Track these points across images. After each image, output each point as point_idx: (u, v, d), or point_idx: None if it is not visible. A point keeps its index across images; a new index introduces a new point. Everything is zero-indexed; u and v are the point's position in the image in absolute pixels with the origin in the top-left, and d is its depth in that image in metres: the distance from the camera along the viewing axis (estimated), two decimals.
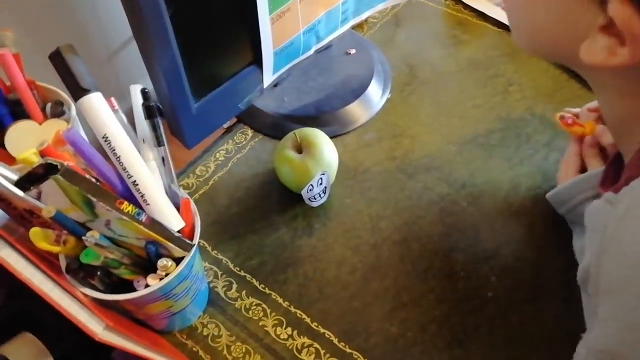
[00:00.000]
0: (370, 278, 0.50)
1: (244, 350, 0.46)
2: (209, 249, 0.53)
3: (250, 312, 0.48)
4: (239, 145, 0.61)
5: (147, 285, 0.37)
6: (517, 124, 0.61)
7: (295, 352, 0.46)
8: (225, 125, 0.62)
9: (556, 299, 0.47)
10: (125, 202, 0.34)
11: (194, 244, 0.39)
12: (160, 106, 0.38)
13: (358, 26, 0.73)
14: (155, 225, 0.36)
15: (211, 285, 0.50)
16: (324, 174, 0.51)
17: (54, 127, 0.40)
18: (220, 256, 0.52)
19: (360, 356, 0.45)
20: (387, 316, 0.47)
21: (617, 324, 0.28)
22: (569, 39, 0.28)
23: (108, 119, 0.36)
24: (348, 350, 0.45)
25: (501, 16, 0.74)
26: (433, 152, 0.59)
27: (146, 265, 0.38)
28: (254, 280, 0.50)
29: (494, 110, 0.63)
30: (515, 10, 0.34)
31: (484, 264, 0.50)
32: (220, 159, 0.60)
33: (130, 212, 0.34)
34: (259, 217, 0.55)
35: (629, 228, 0.27)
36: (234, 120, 0.63)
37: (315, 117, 0.61)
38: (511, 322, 0.46)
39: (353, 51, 0.68)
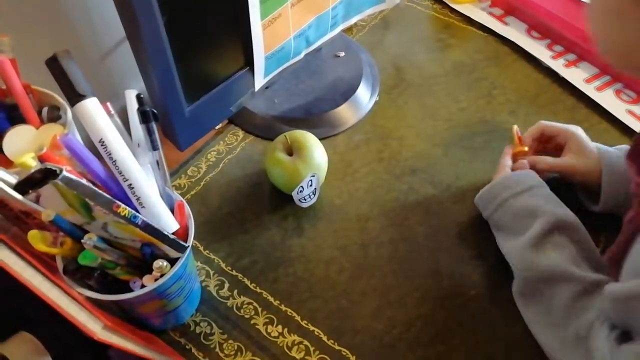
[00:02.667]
0: (358, 277, 0.51)
1: (235, 347, 0.47)
2: (201, 248, 0.54)
3: (242, 310, 0.50)
4: (230, 146, 0.62)
5: (143, 286, 0.38)
6: (500, 126, 0.63)
7: (285, 349, 0.47)
8: (217, 127, 0.63)
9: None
10: (122, 206, 0.35)
11: (188, 246, 0.40)
12: (155, 111, 0.39)
13: (347, 29, 0.74)
14: (150, 227, 0.37)
15: (203, 284, 0.51)
16: (314, 176, 0.53)
17: (50, 132, 0.41)
18: (212, 256, 0.53)
19: (349, 353, 0.47)
20: (374, 314, 0.49)
21: None
22: None
23: (104, 123, 0.37)
24: (337, 348, 0.47)
25: (486, 20, 0.76)
26: (419, 154, 0.61)
27: (141, 266, 0.39)
28: (245, 280, 0.52)
29: (478, 113, 0.65)
30: (603, 37, 0.35)
31: (467, 264, 0.52)
32: (211, 159, 0.61)
33: (126, 215, 0.35)
34: (250, 217, 0.56)
35: None
36: (225, 121, 0.64)
37: (305, 119, 0.62)
38: (493, 320, 0.48)
39: (342, 54, 0.69)
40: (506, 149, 0.55)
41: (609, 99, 0.64)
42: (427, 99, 0.67)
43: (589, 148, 0.52)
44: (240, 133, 0.63)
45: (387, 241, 0.54)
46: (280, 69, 0.57)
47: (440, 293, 0.50)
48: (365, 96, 0.66)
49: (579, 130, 0.53)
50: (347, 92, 0.65)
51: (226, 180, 0.59)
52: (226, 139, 0.63)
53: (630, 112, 0.63)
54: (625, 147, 0.51)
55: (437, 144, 0.62)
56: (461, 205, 0.56)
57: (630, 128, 0.61)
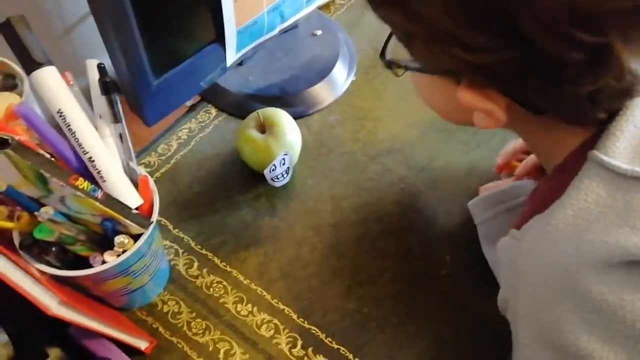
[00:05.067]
0: (330, 257, 0.51)
1: (204, 326, 0.47)
2: (170, 227, 0.53)
3: (211, 289, 0.49)
4: (202, 124, 0.61)
5: (103, 262, 0.37)
6: None
7: (255, 327, 0.47)
8: (189, 104, 0.62)
9: None
10: (80, 178, 0.34)
11: (152, 221, 0.39)
12: (118, 82, 0.37)
13: (325, 7, 0.73)
14: (111, 201, 0.36)
15: (172, 263, 0.50)
16: (286, 155, 0.52)
17: (5, 101, 0.39)
18: (181, 235, 0.52)
19: (318, 331, 0.47)
20: (345, 293, 0.49)
21: (535, 345, 0.31)
22: (467, 113, 0.33)
23: (63, 93, 0.35)
24: (306, 326, 0.47)
25: None
26: (395, 135, 0.60)
27: (103, 242, 0.38)
28: (215, 259, 0.51)
29: None
30: (426, 102, 0.40)
31: (439, 244, 0.52)
32: (183, 137, 0.60)
33: (85, 188, 0.34)
34: (222, 196, 0.55)
35: (534, 263, 0.31)
36: (198, 98, 0.63)
37: (279, 97, 0.61)
38: (462, 300, 0.48)
39: (319, 32, 0.68)
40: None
41: None
42: (404, 80, 0.66)
43: None
44: (213, 111, 0.62)
45: (360, 221, 0.53)
46: (254, 44, 0.55)
47: (411, 273, 0.50)
48: (341, 76, 0.65)
49: None
50: (323, 71, 0.64)
51: (197, 159, 0.58)
52: (198, 116, 0.61)
53: None
54: None
55: (412, 125, 0.61)
56: (435, 187, 0.56)
57: None
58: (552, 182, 0.35)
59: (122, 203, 0.37)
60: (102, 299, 0.44)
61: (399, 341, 0.46)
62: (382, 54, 0.37)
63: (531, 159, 0.49)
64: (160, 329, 0.47)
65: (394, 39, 0.35)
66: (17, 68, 0.42)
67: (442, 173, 0.57)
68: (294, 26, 0.63)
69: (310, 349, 0.46)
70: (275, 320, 0.47)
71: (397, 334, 0.46)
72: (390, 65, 0.37)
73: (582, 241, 0.28)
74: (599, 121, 0.30)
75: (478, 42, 0.26)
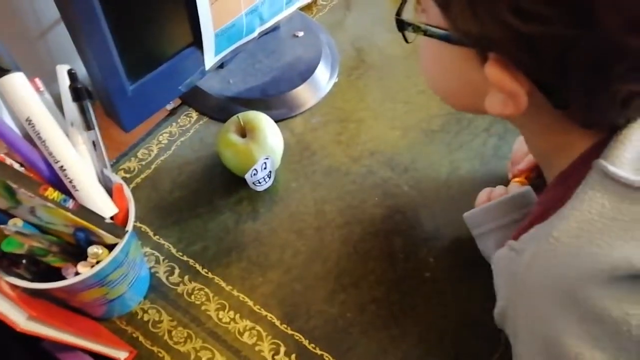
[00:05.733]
0: (313, 261, 0.50)
1: (185, 334, 0.46)
2: (151, 234, 0.52)
3: (193, 296, 0.48)
4: (183, 128, 0.60)
5: (77, 273, 0.36)
6: None
7: (237, 334, 0.46)
8: (169, 108, 0.61)
9: (490, 279, 0.49)
10: (50, 189, 0.33)
11: (127, 231, 0.38)
12: (90, 88, 0.36)
13: (307, 8, 0.72)
14: (83, 211, 0.35)
15: (152, 270, 0.49)
16: (267, 159, 0.51)
17: None
18: (162, 241, 0.51)
19: (302, 337, 0.46)
20: (328, 298, 0.48)
21: (536, 359, 0.30)
22: (478, 96, 0.31)
23: (31, 100, 0.34)
24: (289, 332, 0.46)
25: None
26: (378, 137, 0.60)
27: (76, 252, 0.37)
28: (196, 265, 0.50)
29: (437, 96, 0.64)
30: (431, 81, 0.37)
31: (423, 246, 0.51)
32: (163, 142, 0.59)
33: (55, 199, 0.33)
34: (203, 201, 0.54)
35: (536, 276, 0.30)
36: (178, 102, 0.62)
37: (261, 100, 0.61)
38: (446, 302, 0.48)
39: (301, 34, 0.67)
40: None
41: None
42: (387, 81, 0.66)
43: None
44: (194, 114, 0.61)
45: (344, 224, 0.53)
46: (233, 47, 0.55)
47: (394, 276, 0.49)
48: (324, 78, 0.64)
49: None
50: (305, 73, 0.63)
51: (178, 164, 0.57)
52: (179, 120, 0.60)
53: None
54: None
55: (395, 126, 0.61)
56: (418, 188, 0.55)
57: None
58: (553, 191, 0.34)
59: (94, 213, 0.36)
60: (79, 310, 0.43)
61: (383, 345, 0.46)
62: (398, 13, 0.33)
63: (529, 160, 0.48)
64: (141, 338, 0.46)
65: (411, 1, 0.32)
66: None
67: (425, 174, 0.57)
68: (275, 27, 0.62)
69: (293, 355, 0.45)
70: (258, 327, 0.47)
71: (381, 338, 0.46)
72: (405, 27, 0.33)
73: (585, 254, 0.27)
74: (614, 128, 0.29)
75: (538, 10, 0.24)
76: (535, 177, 0.47)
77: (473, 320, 0.47)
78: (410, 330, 0.46)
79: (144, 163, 0.57)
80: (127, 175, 0.56)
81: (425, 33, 0.31)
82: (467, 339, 0.46)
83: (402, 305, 0.48)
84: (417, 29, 0.32)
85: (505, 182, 0.50)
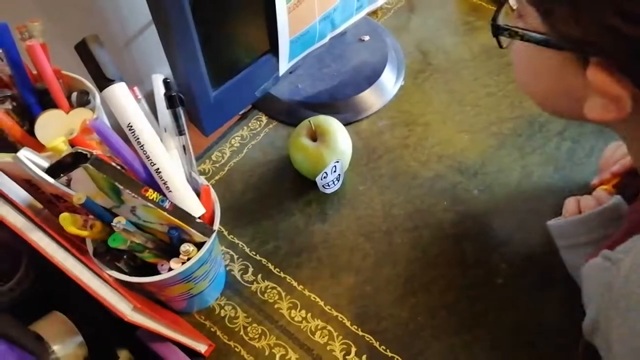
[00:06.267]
0: (382, 264, 0.51)
1: (259, 331, 0.48)
2: (225, 233, 0.54)
3: (266, 295, 0.50)
4: (254, 131, 0.62)
5: (170, 269, 0.38)
6: (529, 112, 0.61)
7: (309, 334, 0.47)
8: (240, 112, 0.63)
9: (565, 287, 0.47)
10: (150, 190, 0.36)
11: (215, 230, 0.40)
12: (182, 96, 0.39)
13: (372, 12, 0.73)
14: (178, 211, 0.37)
15: (228, 268, 0.52)
16: (337, 162, 0.52)
17: (80, 116, 0.41)
18: (236, 240, 0.54)
19: (372, 339, 0.47)
20: (398, 301, 0.49)
21: None
22: (576, 101, 0.30)
23: (132, 108, 0.37)
24: (360, 333, 0.47)
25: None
26: (445, 140, 0.60)
27: (169, 249, 0.40)
28: (269, 264, 0.52)
29: (507, 98, 0.63)
30: (526, 86, 0.36)
31: (494, 252, 0.51)
32: (235, 145, 0.61)
33: (155, 199, 0.35)
34: (274, 202, 0.56)
35: (636, 287, 0.28)
36: (249, 107, 0.64)
37: (328, 104, 0.62)
38: (519, 309, 0.47)
39: (367, 38, 0.68)
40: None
41: None
42: (454, 84, 0.65)
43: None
44: (264, 118, 0.63)
45: (412, 228, 0.53)
46: (305, 53, 0.56)
47: (465, 281, 0.49)
48: (390, 81, 0.65)
49: None
50: (371, 77, 0.64)
51: (250, 166, 0.59)
52: (250, 124, 0.63)
53: None
54: None
55: (464, 130, 0.60)
56: (488, 193, 0.55)
57: None
58: None
59: (187, 213, 0.38)
60: (163, 303, 0.46)
61: (455, 350, 0.45)
62: (494, 19, 0.33)
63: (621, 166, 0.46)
64: (219, 332, 0.48)
65: (507, 5, 0.32)
66: (89, 84, 0.44)
67: (496, 178, 0.56)
68: (342, 33, 0.63)
69: (364, 356, 0.46)
70: (329, 327, 0.48)
71: (452, 343, 0.46)
72: (501, 32, 0.33)
73: None
74: None
75: None
76: (623, 185, 0.45)
77: (548, 330, 0.46)
78: (483, 337, 0.46)
79: (217, 165, 0.59)
80: (202, 177, 0.58)
81: (523, 38, 0.31)
82: (543, 349, 0.45)
83: (473, 311, 0.47)
84: (514, 34, 0.31)
85: (583, 189, 0.49)
